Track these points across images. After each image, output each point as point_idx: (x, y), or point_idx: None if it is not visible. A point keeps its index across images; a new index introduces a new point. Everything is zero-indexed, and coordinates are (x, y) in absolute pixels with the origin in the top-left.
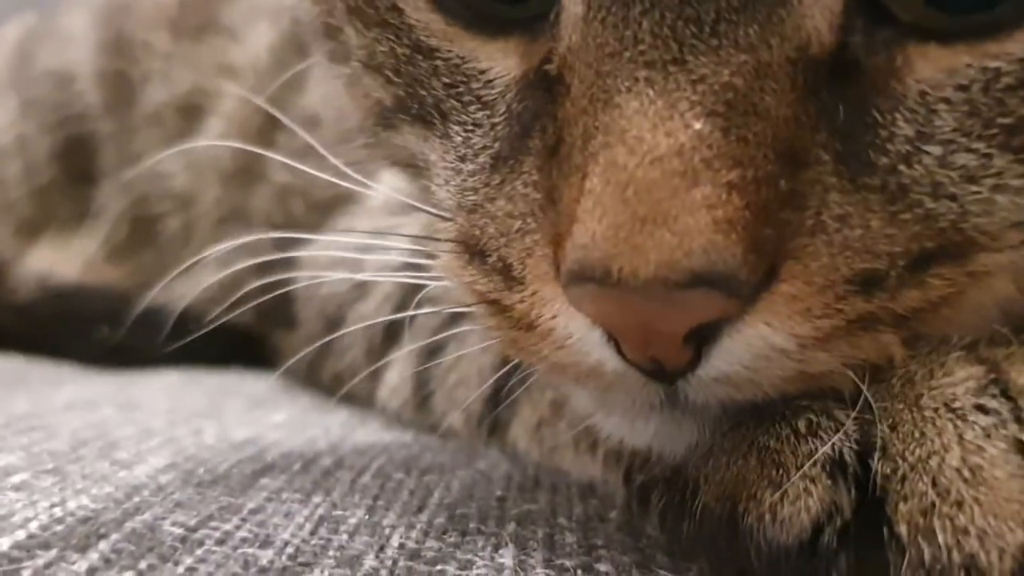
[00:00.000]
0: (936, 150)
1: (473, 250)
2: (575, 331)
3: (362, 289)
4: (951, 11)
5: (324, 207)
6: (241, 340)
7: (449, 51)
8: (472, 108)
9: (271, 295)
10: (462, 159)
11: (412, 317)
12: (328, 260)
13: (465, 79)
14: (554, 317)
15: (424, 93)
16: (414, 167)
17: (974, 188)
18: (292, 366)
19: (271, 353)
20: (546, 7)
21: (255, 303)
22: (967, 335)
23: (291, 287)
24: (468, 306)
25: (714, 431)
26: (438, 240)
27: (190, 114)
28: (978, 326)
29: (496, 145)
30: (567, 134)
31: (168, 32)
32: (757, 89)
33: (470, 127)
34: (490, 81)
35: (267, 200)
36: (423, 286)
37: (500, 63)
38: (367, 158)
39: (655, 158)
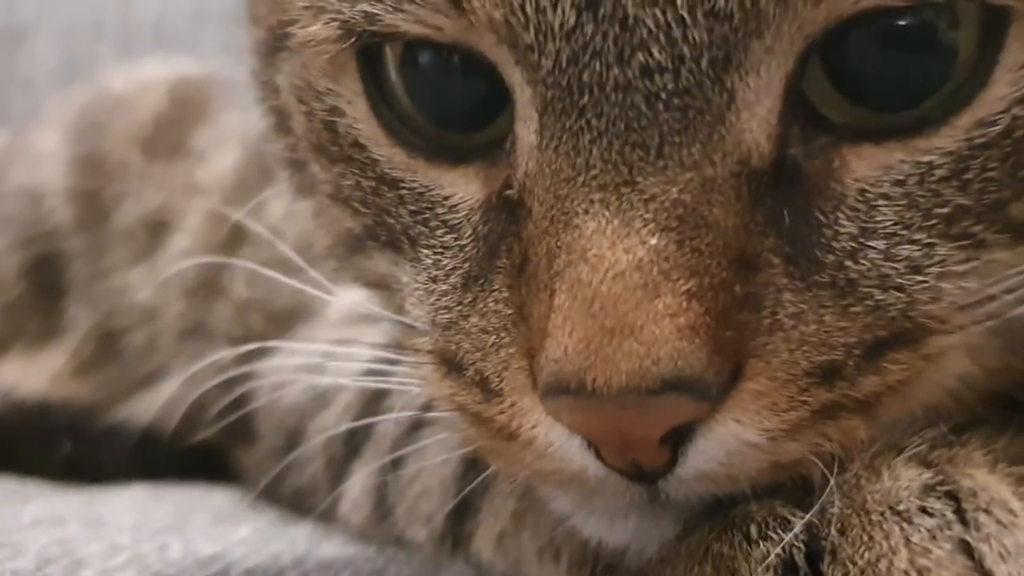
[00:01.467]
0: (880, 244)
1: (450, 364)
2: (556, 439)
3: (322, 400)
4: (878, 110)
5: (283, 320)
6: (206, 453)
7: (413, 181)
8: (439, 232)
9: (232, 410)
10: (434, 280)
11: (373, 428)
12: (288, 371)
13: (430, 206)
14: (534, 427)
15: (392, 221)
16: (386, 288)
17: (919, 278)
18: (255, 480)
19: (234, 467)
20: (501, 136)
21: (217, 417)
22: (911, 437)
23: (252, 402)
24: (445, 414)
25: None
26: (409, 350)
27: (157, 230)
28: (939, 404)
29: (466, 266)
30: (532, 254)
31: (142, 152)
32: (705, 203)
33: (439, 250)
34: (454, 206)
35: (227, 314)
36: (384, 397)
37: (462, 189)
38: (337, 280)
39: (617, 273)
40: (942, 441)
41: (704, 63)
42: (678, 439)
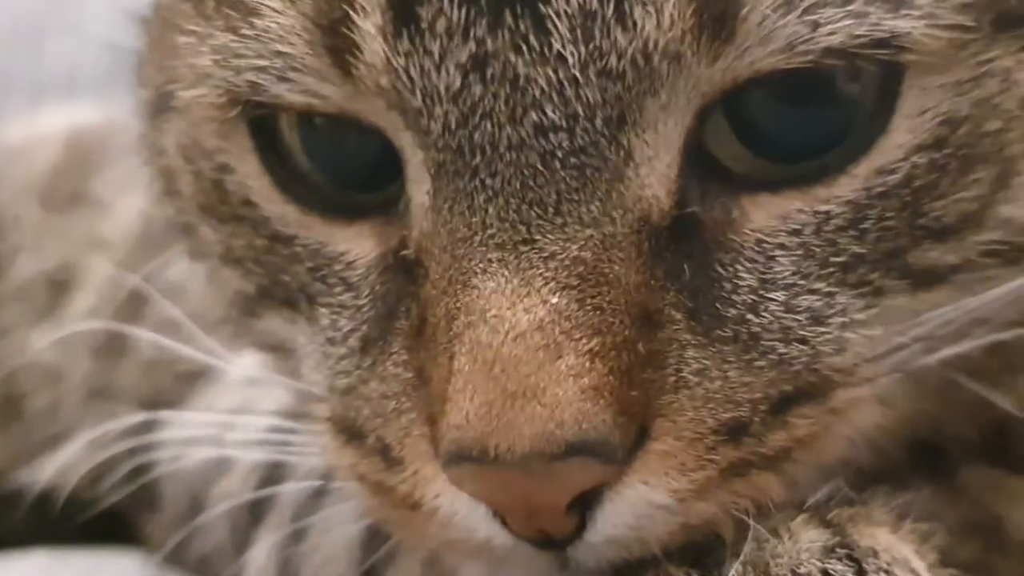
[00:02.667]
0: (780, 295)
1: (350, 431)
2: (460, 509)
3: (225, 466)
4: (780, 161)
5: (190, 379)
6: (112, 518)
7: (307, 238)
8: (337, 290)
9: (136, 475)
10: (331, 342)
11: (277, 495)
12: (191, 437)
13: (327, 262)
14: (437, 496)
15: (288, 279)
16: (281, 351)
17: (822, 328)
18: (160, 546)
19: (140, 533)
20: (395, 195)
21: (122, 482)
22: (811, 497)
23: (156, 466)
24: (340, 482)
25: None
26: (306, 418)
27: (59, 288)
28: (853, 455)
29: (364, 327)
30: (431, 315)
31: (38, 205)
32: (605, 260)
33: (336, 309)
34: (351, 263)
35: (134, 374)
36: (287, 460)
37: (358, 246)
38: (233, 345)
39: (517, 334)
40: (843, 499)
41: (599, 122)
42: (585, 505)
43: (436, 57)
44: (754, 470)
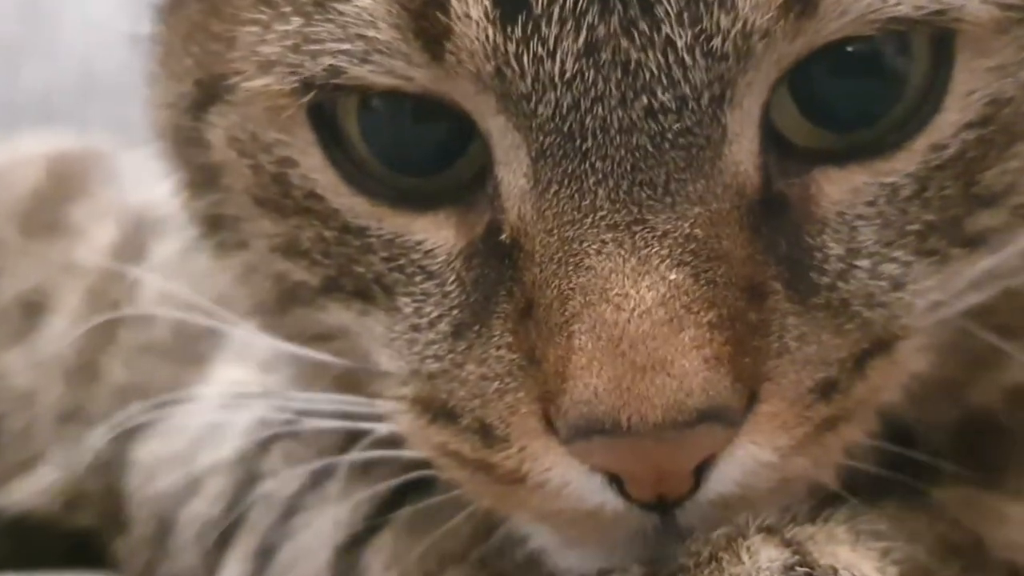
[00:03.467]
0: (866, 263)
1: (439, 411)
2: (572, 480)
3: (193, 487)
4: (838, 131)
5: (161, 404)
6: (82, 541)
7: (380, 229)
8: (418, 279)
9: (107, 497)
10: (416, 328)
11: (246, 516)
12: (162, 457)
13: (403, 252)
14: (548, 469)
15: (361, 269)
16: (332, 340)
17: (900, 294)
18: (130, 568)
19: (112, 555)
20: (474, 179)
21: (93, 504)
22: (772, 515)
23: (125, 488)
24: (429, 463)
25: None
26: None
27: (34, 311)
28: (896, 400)
29: (455, 312)
30: (540, 298)
31: (19, 230)
32: (714, 235)
33: (420, 297)
34: (429, 251)
35: (106, 398)
36: (256, 482)
37: (434, 235)
38: (270, 335)
39: (643, 311)
40: (804, 518)
41: (704, 102)
42: (702, 466)
43: (550, 44)
44: (840, 423)
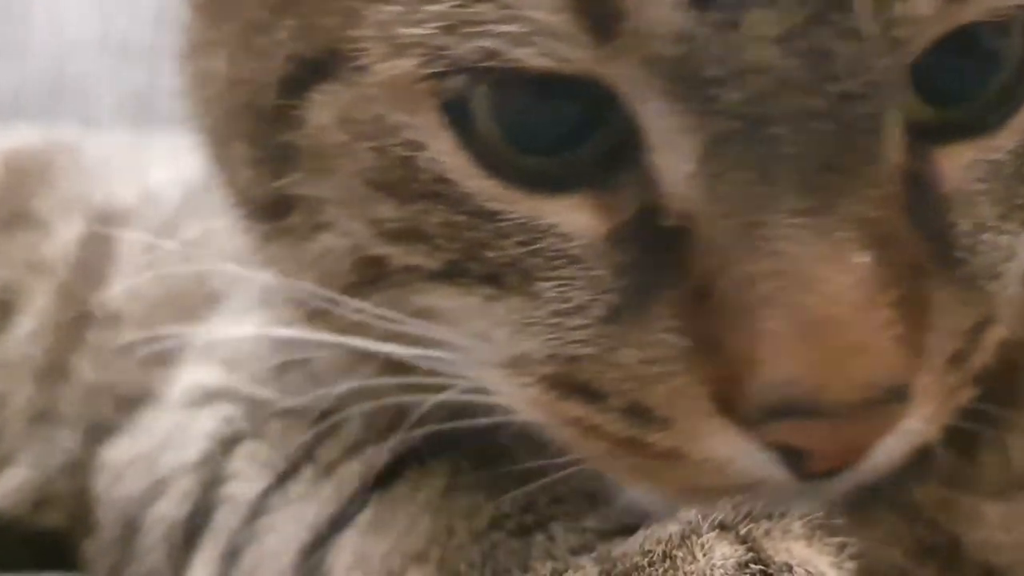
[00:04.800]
0: (987, 237)
1: (575, 389)
2: (739, 457)
3: (159, 489)
4: (946, 108)
5: (130, 404)
6: (55, 542)
7: (513, 213)
8: (558, 263)
9: (76, 498)
10: (560, 313)
11: (212, 518)
12: (129, 458)
13: (540, 236)
14: (714, 448)
15: (494, 254)
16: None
17: (1010, 265)
18: (97, 570)
19: (80, 557)
20: (610, 162)
21: (62, 505)
22: (728, 511)
23: (93, 489)
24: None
25: None
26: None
27: (1, 311)
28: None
29: (607, 297)
30: (719, 283)
31: None
32: (888, 218)
33: (564, 282)
34: (567, 235)
35: (76, 399)
36: (221, 483)
37: (569, 219)
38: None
39: (837, 294)
40: (761, 513)
41: (885, 86)
42: None
43: (749, 31)
44: (961, 391)
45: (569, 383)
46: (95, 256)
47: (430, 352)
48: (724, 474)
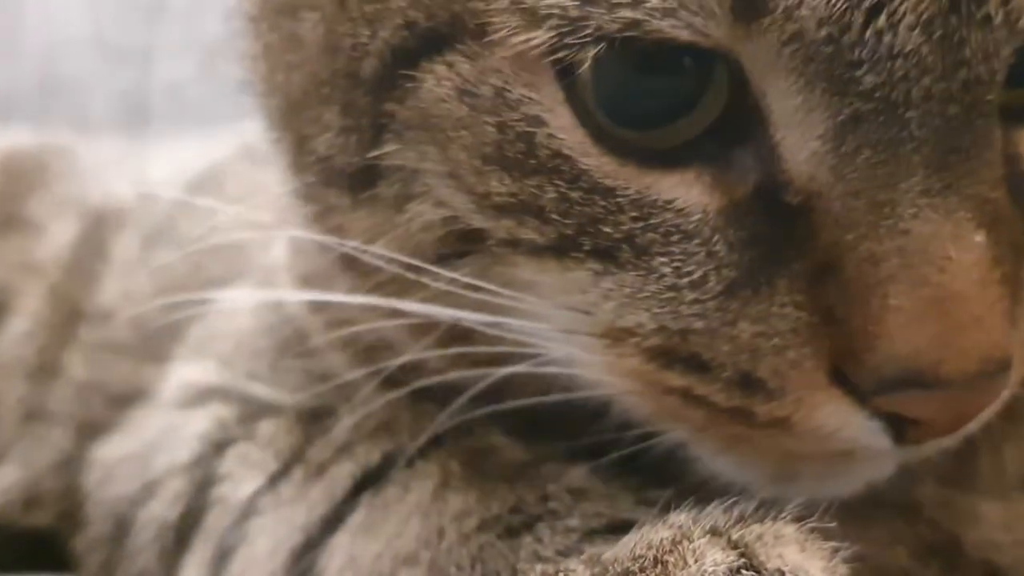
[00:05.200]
0: None
1: (680, 360)
2: (846, 427)
3: (151, 489)
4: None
5: (122, 401)
6: (47, 540)
7: (627, 188)
8: (674, 239)
9: (67, 496)
10: (675, 288)
11: (204, 519)
12: (120, 456)
13: (655, 211)
14: (824, 417)
15: (609, 230)
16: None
17: None
18: (87, 568)
19: (69, 555)
20: (723, 137)
21: (54, 503)
22: (720, 514)
23: (84, 487)
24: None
25: None
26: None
27: None
28: None
29: (725, 272)
30: (844, 259)
31: None
32: (1001, 199)
33: (680, 256)
34: (682, 210)
35: (67, 396)
36: (213, 485)
37: (684, 194)
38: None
39: (960, 271)
40: (753, 517)
41: (1002, 74)
42: None
43: (895, 17)
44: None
45: (675, 354)
46: (89, 256)
47: (514, 321)
48: (829, 442)
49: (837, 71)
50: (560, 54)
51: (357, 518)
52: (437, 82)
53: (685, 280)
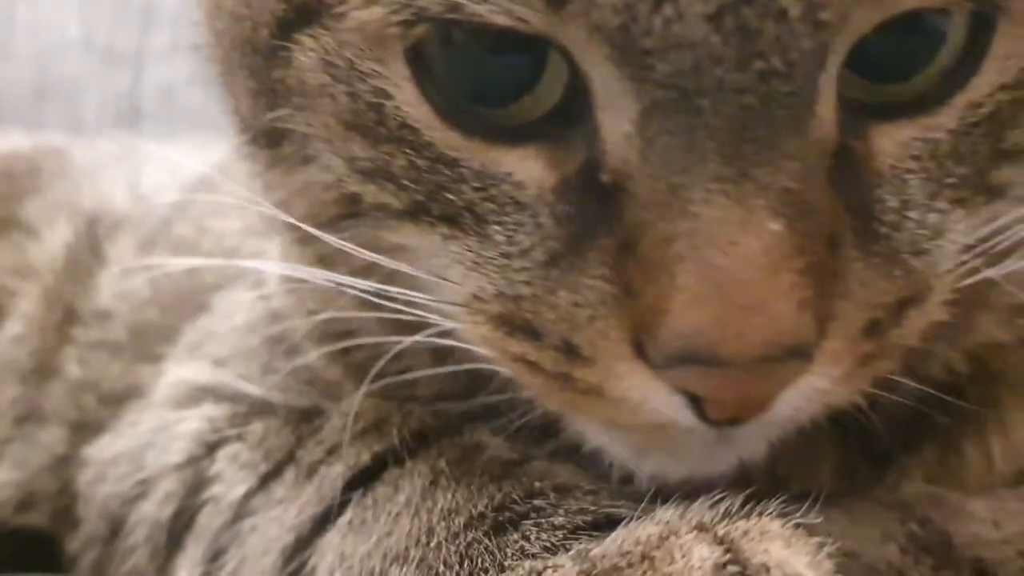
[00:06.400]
0: (914, 214)
1: (519, 327)
2: (651, 399)
3: (143, 489)
4: (885, 86)
5: (115, 401)
6: (40, 540)
7: (471, 160)
8: (509, 210)
9: (60, 495)
10: (507, 256)
11: (196, 519)
12: (113, 456)
13: (495, 183)
14: (630, 388)
15: (452, 197)
16: (389, 255)
17: (939, 242)
18: (80, 567)
19: (62, 555)
20: (562, 117)
21: (47, 503)
22: (706, 510)
23: (77, 487)
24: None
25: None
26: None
27: None
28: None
29: (548, 243)
30: (642, 238)
31: None
32: (807, 189)
33: (512, 227)
34: (519, 183)
35: (61, 396)
36: (206, 485)
37: (523, 168)
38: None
39: (747, 257)
40: (739, 513)
41: (808, 66)
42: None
43: (681, 7)
44: (875, 360)
45: (513, 322)
46: (83, 259)
47: (402, 290)
48: (639, 413)
49: (635, 59)
50: (392, 31)
51: (347, 517)
52: (304, 52)
53: (515, 248)
